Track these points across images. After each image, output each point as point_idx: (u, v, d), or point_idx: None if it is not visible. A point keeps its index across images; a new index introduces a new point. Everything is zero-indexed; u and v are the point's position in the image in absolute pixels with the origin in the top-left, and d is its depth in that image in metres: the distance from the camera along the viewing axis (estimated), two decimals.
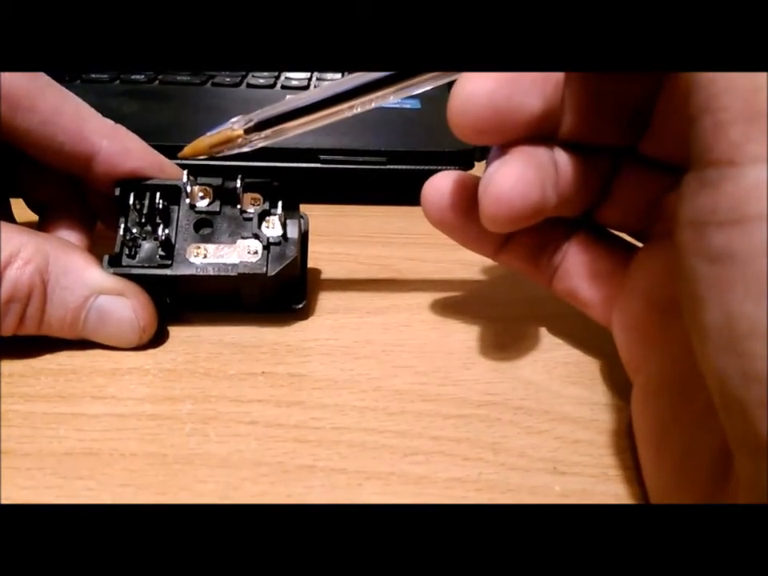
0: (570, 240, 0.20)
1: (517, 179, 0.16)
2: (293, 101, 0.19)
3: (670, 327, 0.16)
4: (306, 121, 0.19)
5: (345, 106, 0.18)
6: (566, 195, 0.18)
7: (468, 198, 0.18)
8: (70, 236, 0.21)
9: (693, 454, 0.14)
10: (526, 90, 0.16)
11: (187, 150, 0.20)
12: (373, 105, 0.18)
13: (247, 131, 0.19)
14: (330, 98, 0.18)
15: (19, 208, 0.23)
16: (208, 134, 0.20)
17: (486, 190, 0.16)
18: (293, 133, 0.19)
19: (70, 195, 0.22)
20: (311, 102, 0.18)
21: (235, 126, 0.19)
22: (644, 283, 0.17)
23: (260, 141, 0.19)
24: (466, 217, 0.19)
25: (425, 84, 0.17)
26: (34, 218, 0.22)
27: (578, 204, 0.18)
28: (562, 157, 0.17)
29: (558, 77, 0.16)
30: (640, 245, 0.19)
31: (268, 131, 0.19)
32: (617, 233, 0.20)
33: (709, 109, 0.11)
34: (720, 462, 0.13)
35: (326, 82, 0.20)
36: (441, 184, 0.19)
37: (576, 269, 0.19)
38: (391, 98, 0.18)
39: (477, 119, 0.16)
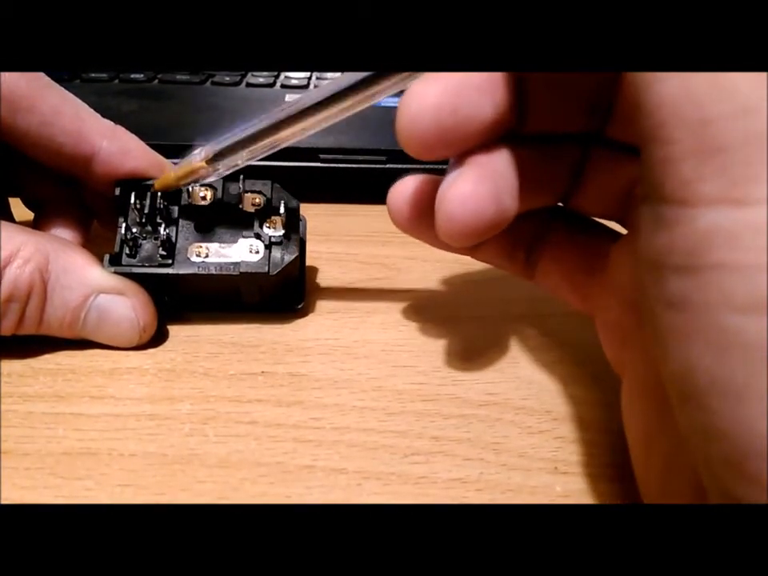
0: (547, 234, 0.19)
1: (468, 196, 0.15)
2: (254, 125, 0.18)
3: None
4: (269, 143, 0.18)
5: (298, 127, 0.17)
6: (536, 187, 0.17)
7: (432, 203, 0.17)
8: (66, 234, 0.21)
9: (678, 460, 0.14)
10: (473, 101, 0.15)
11: (157, 184, 0.20)
12: (330, 122, 0.17)
13: (209, 161, 0.19)
14: (291, 117, 0.17)
15: (15, 206, 0.23)
16: (173, 167, 0.20)
17: (439, 207, 0.15)
18: (262, 155, 0.18)
19: (67, 193, 0.22)
20: (274, 123, 0.18)
21: (196, 157, 0.19)
22: (619, 281, 0.17)
23: (225, 169, 0.19)
24: (430, 221, 0.17)
25: (386, 92, 0.16)
26: (31, 216, 0.22)
27: (549, 194, 0.18)
28: (527, 149, 0.16)
29: (504, 77, 0.15)
30: (624, 231, 0.18)
31: (230, 159, 0.19)
32: (599, 220, 0.19)
33: (657, 139, 0.11)
34: None
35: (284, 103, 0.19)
36: (404, 189, 0.18)
37: (554, 265, 0.19)
38: (350, 112, 0.17)
39: (425, 138, 0.15)
